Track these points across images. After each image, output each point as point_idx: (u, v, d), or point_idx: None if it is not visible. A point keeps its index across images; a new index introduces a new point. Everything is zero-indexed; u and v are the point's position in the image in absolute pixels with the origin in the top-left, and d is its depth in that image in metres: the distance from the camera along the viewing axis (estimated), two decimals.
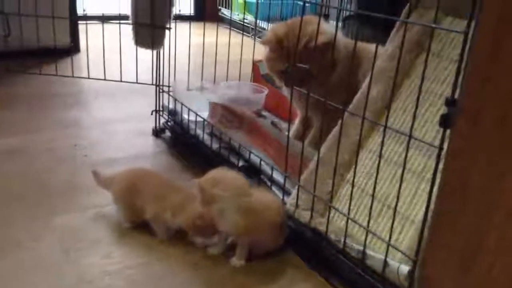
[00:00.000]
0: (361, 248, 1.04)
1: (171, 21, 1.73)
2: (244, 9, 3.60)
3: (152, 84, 1.83)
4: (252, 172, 1.42)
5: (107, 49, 1.91)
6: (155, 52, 1.76)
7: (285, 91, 1.62)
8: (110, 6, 2.99)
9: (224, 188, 1.11)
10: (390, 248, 0.99)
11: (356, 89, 1.25)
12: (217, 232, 1.19)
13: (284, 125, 1.80)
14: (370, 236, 1.05)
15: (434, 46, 1.12)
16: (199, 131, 1.65)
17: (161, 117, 1.88)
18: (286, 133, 1.42)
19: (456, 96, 0.81)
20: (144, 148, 1.79)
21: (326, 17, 2.76)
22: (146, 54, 1.78)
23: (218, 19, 2.30)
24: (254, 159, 1.44)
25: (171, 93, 1.82)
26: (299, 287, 1.12)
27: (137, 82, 1.86)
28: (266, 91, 1.91)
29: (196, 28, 1.87)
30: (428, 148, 1.04)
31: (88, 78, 1.95)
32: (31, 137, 1.79)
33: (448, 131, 0.84)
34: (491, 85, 0.73)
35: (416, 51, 1.17)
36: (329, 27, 1.47)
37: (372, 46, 1.07)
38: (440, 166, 0.86)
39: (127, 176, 1.29)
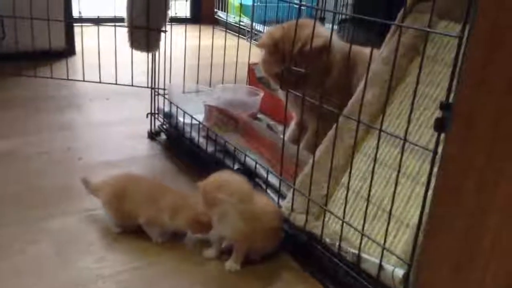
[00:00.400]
0: (356, 251, 1.04)
1: (167, 24, 1.73)
2: (240, 12, 3.60)
3: (148, 87, 1.83)
4: (247, 175, 1.42)
5: (103, 52, 1.91)
6: (150, 54, 1.76)
7: (281, 94, 1.62)
8: (105, 8, 2.99)
9: (228, 193, 1.10)
10: (385, 251, 0.99)
11: (351, 93, 1.25)
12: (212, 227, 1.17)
13: (279, 128, 1.80)
14: (365, 239, 1.05)
15: (429, 50, 1.12)
16: (194, 134, 1.64)
17: (156, 120, 1.88)
18: (282, 136, 1.42)
19: (450, 100, 0.82)
20: (139, 151, 1.79)
21: (322, 20, 2.77)
22: (141, 57, 1.78)
23: (214, 22, 2.30)
24: (250, 162, 1.43)
25: (166, 96, 1.82)
26: None
27: (132, 85, 1.85)
28: (261, 94, 1.91)
29: (192, 31, 1.87)
30: (423, 152, 1.04)
31: (83, 81, 1.95)
32: (26, 139, 1.78)
33: (442, 135, 0.84)
34: (485, 89, 0.73)
35: (411, 55, 1.17)
36: (324, 31, 1.47)
37: (367, 50, 1.07)
38: (435, 169, 0.86)
39: (114, 182, 1.29)
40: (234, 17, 3.81)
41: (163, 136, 1.88)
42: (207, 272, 1.16)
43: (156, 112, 1.86)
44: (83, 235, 1.25)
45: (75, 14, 2.87)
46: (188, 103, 1.75)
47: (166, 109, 1.81)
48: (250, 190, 1.17)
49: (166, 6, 1.70)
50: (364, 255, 1.03)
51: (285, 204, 1.23)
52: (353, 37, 1.14)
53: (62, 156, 1.68)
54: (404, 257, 0.95)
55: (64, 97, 2.25)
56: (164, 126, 1.86)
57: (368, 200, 1.04)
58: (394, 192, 0.97)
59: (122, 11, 1.73)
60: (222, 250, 1.21)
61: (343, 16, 3.08)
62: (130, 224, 1.25)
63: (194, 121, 1.65)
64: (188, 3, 4.13)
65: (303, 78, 1.34)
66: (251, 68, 2.10)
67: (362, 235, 1.04)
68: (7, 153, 1.66)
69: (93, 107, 2.20)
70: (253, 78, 2.11)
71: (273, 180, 1.35)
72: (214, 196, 1.10)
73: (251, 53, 1.88)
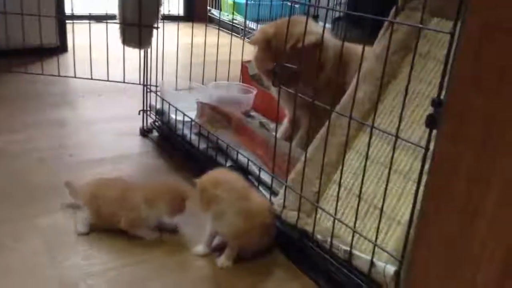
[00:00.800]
0: (348, 248, 1.04)
1: (159, 20, 1.72)
2: (234, 10, 3.59)
3: (140, 84, 1.82)
4: (240, 172, 1.41)
5: (95, 49, 1.90)
6: (142, 51, 1.75)
7: (274, 91, 1.62)
8: (97, 5, 2.97)
9: (226, 190, 1.10)
10: (377, 248, 0.99)
11: (344, 90, 1.25)
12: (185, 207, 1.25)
13: (272, 125, 1.80)
14: (356, 236, 1.05)
15: (421, 47, 1.12)
16: (186, 131, 1.63)
17: (148, 117, 1.87)
18: (274, 133, 1.42)
19: (442, 96, 0.82)
20: (131, 148, 1.78)
21: (316, 18, 2.77)
22: (133, 54, 1.77)
23: (208, 20, 2.29)
24: (242, 159, 1.43)
25: (158, 93, 1.81)
26: (286, 287, 1.12)
27: (124, 82, 1.84)
28: (254, 92, 1.91)
29: (185, 29, 1.86)
30: (415, 149, 1.04)
31: (75, 77, 1.93)
32: (16, 137, 1.76)
33: (434, 132, 0.84)
34: (475, 86, 0.73)
35: (403, 52, 1.17)
36: (317, 28, 1.47)
37: (360, 47, 1.07)
38: (427, 166, 0.86)
39: (92, 184, 1.30)
40: (227, 15, 3.80)
41: (155, 133, 1.87)
42: (198, 269, 1.15)
43: (148, 109, 1.85)
44: (72, 232, 1.24)
45: (68, 11, 2.86)
46: (181, 100, 1.75)
47: (158, 106, 1.80)
48: (247, 188, 1.18)
49: (158, 3, 1.69)
50: (355, 252, 1.03)
51: (277, 201, 1.23)
52: (346, 35, 1.13)
53: (53, 153, 1.66)
54: (396, 254, 0.95)
55: (55, 94, 2.23)
56: (156, 123, 1.85)
57: (359, 197, 1.03)
58: (386, 189, 0.97)
59: (114, 9, 1.72)
60: (213, 247, 1.20)
61: (337, 15, 3.08)
62: (110, 226, 1.24)
63: (186, 118, 1.64)
64: (181, 0, 4.12)
65: (296, 75, 1.34)
66: (244, 66, 2.10)
67: (354, 232, 1.04)
68: None
69: (85, 104, 2.18)
70: (246, 76, 2.10)
71: (265, 177, 1.35)
72: (212, 193, 1.10)
73: (244, 51, 1.87)
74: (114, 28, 1.76)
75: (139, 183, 1.33)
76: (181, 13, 4.04)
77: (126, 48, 1.75)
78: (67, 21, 2.78)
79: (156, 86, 1.81)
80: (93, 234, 1.24)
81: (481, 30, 0.71)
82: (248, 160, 1.41)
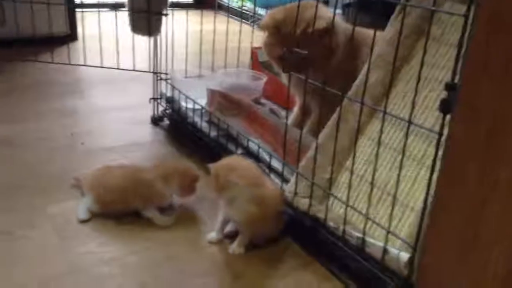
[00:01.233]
0: (361, 235, 1.03)
1: (168, 7, 1.70)
2: None
3: (150, 72, 1.81)
4: (251, 159, 1.41)
5: (104, 37, 1.89)
6: (152, 39, 1.74)
7: (284, 78, 1.61)
8: None
9: (239, 176, 1.11)
10: (390, 235, 0.99)
11: (356, 76, 1.23)
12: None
13: (282, 112, 1.79)
14: (369, 223, 1.04)
15: (434, 31, 1.10)
16: (197, 119, 1.63)
17: (159, 105, 1.87)
18: (285, 120, 1.41)
19: (456, 80, 0.80)
20: (142, 136, 1.78)
21: (326, 3, 2.74)
22: (143, 42, 1.76)
23: (217, 7, 2.28)
24: (252, 146, 1.42)
25: (169, 81, 1.81)
26: (298, 274, 1.12)
27: (134, 70, 1.84)
28: (264, 79, 1.89)
29: (195, 16, 1.85)
30: (428, 134, 1.03)
31: (85, 65, 1.93)
32: (28, 125, 1.77)
33: (448, 117, 0.82)
34: (488, 70, 0.72)
35: (416, 36, 1.15)
36: (327, 12, 1.44)
37: (372, 32, 1.06)
38: (440, 152, 0.85)
39: (95, 171, 1.32)
40: (236, 2, 3.77)
41: (166, 121, 1.87)
42: (210, 255, 1.16)
43: (159, 97, 1.85)
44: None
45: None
46: (191, 88, 1.74)
47: (169, 94, 1.80)
48: (261, 174, 1.18)
49: None
50: (368, 239, 1.02)
51: (288, 188, 1.22)
52: (356, 19, 1.12)
53: (65, 141, 1.67)
54: (409, 240, 0.94)
55: (65, 82, 2.24)
56: (167, 111, 1.85)
57: (372, 183, 1.03)
58: (399, 175, 0.96)
59: None
60: (225, 234, 1.21)
61: (347, 0, 3.04)
62: (118, 212, 1.26)
63: (196, 106, 1.64)
64: None
65: (306, 61, 1.33)
66: (254, 53, 2.08)
67: (367, 218, 1.03)
68: (9, 139, 1.65)
69: (95, 92, 2.19)
70: (256, 63, 2.09)
71: (276, 164, 1.34)
72: (226, 179, 1.10)
73: (254, 38, 1.85)
74: (124, 16, 1.75)
75: (146, 165, 1.35)
76: (190, 0, 4.02)
77: (136, 36, 1.75)
78: (76, 10, 2.77)
79: (166, 74, 1.81)
80: (105, 222, 1.24)
81: (493, 14, 0.70)
82: (259, 147, 1.40)
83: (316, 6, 1.16)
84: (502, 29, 0.69)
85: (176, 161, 1.39)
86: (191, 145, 1.67)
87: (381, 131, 1.01)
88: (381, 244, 0.99)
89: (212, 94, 1.66)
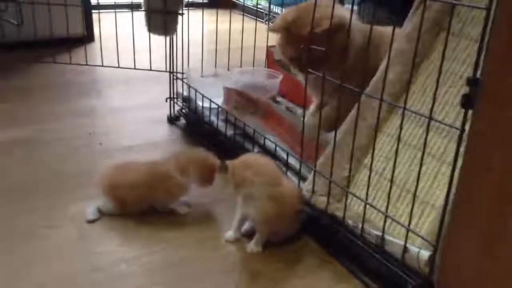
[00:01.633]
0: (380, 233, 1.02)
1: (184, 7, 1.71)
2: None
3: (166, 71, 1.82)
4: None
5: (121, 38, 1.90)
6: (168, 39, 1.74)
7: (300, 77, 1.60)
8: None
9: (255, 174, 1.11)
10: (410, 233, 0.97)
11: (373, 74, 1.22)
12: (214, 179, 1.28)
13: (299, 111, 1.78)
14: (388, 221, 1.03)
15: (454, 25, 1.08)
16: (213, 118, 1.63)
17: (175, 104, 1.87)
18: (302, 118, 1.39)
19: (478, 75, 0.79)
20: (159, 135, 1.78)
21: (342, 1, 2.71)
22: (159, 42, 1.77)
23: (232, 6, 2.27)
24: (269, 144, 1.42)
25: (185, 80, 1.81)
26: (316, 273, 1.11)
27: (150, 69, 1.84)
28: (280, 77, 1.89)
29: (210, 15, 1.85)
30: (449, 130, 1.01)
31: (102, 66, 1.94)
32: (46, 126, 1.79)
33: (470, 112, 0.81)
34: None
35: (435, 30, 1.13)
36: (339, 11, 1.43)
37: (389, 30, 1.04)
38: (462, 148, 0.83)
39: (109, 172, 1.30)
40: (251, 0, 3.77)
41: (182, 120, 1.88)
42: (228, 254, 1.16)
43: (175, 96, 1.85)
44: (105, 219, 1.25)
45: (93, 0, 2.88)
46: (207, 87, 1.74)
47: (185, 93, 1.80)
48: (278, 172, 1.17)
49: None
50: (388, 237, 1.01)
51: (306, 186, 1.22)
52: (374, 17, 1.10)
53: (83, 141, 1.68)
54: (430, 238, 0.93)
55: (83, 83, 2.26)
56: (183, 111, 1.85)
57: (391, 181, 1.01)
58: (419, 172, 0.94)
59: None
60: (242, 232, 1.20)
61: None
62: (133, 210, 1.26)
63: (213, 105, 1.64)
64: None
65: (321, 60, 1.31)
66: (269, 51, 2.07)
67: (386, 216, 1.02)
68: (28, 140, 1.67)
69: (112, 93, 2.20)
70: (271, 61, 2.08)
71: (293, 162, 1.33)
72: (243, 176, 1.10)
73: (269, 36, 1.85)
74: (140, 17, 1.76)
75: (161, 159, 1.34)
76: None
77: (152, 36, 1.75)
78: (93, 11, 2.79)
79: (183, 73, 1.81)
80: (124, 222, 1.25)
81: None
82: (276, 145, 1.39)
83: (333, 5, 1.14)
84: None
85: (193, 150, 1.37)
86: (207, 144, 1.67)
87: (401, 128, 0.99)
88: (401, 242, 0.97)
89: (229, 93, 1.66)
